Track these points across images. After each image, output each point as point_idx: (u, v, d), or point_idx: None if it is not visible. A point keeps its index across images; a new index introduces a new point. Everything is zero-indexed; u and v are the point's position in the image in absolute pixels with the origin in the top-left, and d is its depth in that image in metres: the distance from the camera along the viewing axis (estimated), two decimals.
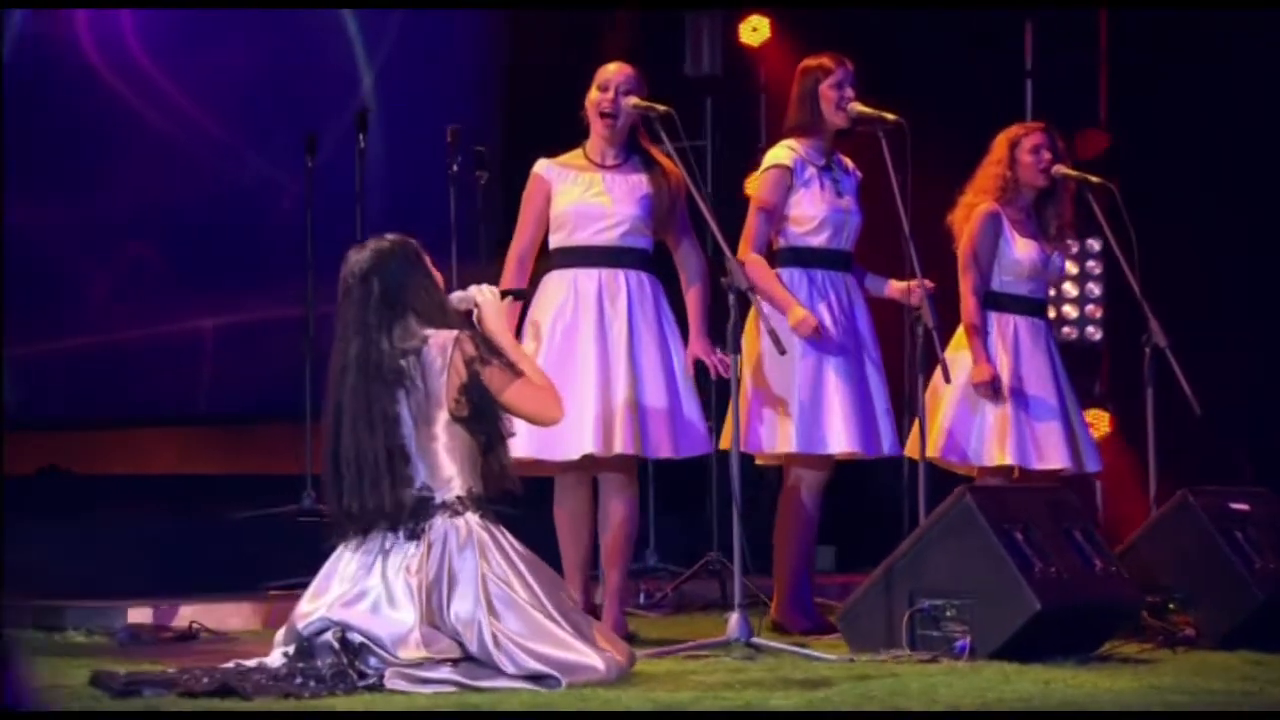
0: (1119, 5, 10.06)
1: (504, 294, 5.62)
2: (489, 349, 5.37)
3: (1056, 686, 5.34)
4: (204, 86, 9.63)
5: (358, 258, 5.44)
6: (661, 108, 6.57)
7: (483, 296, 5.55)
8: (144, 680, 5.04)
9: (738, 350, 6.24)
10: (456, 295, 5.54)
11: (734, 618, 6.10)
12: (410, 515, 5.28)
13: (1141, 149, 9.87)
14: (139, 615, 7.03)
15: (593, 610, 6.68)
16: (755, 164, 7.21)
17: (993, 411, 7.22)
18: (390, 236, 5.50)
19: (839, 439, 6.86)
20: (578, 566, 6.66)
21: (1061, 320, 10.11)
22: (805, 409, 6.84)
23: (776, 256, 7.01)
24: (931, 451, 7.23)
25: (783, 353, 6.38)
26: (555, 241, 6.72)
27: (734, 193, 7.48)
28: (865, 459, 7.04)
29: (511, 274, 6.67)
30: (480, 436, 5.39)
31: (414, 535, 5.27)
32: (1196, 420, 7.20)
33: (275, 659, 5.23)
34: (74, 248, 9.26)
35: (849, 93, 7.02)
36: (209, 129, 9.66)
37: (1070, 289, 10.15)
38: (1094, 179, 7.48)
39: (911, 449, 7.05)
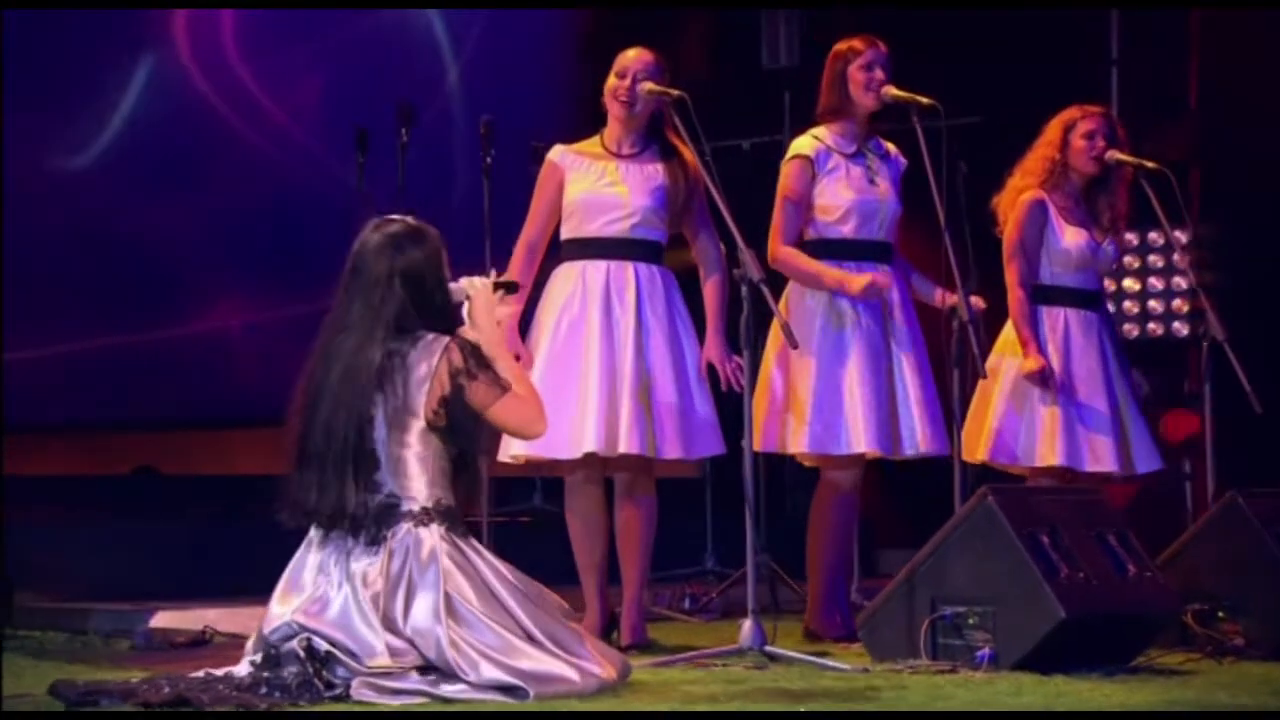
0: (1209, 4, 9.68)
1: (496, 286, 5.38)
2: (477, 361, 5.11)
3: (1068, 700, 5.03)
4: (293, 89, 9.61)
5: (379, 235, 5.17)
6: (675, 92, 6.28)
7: (474, 289, 5.30)
8: (102, 690, 4.86)
9: (750, 345, 5.95)
10: (450, 286, 5.29)
11: (746, 625, 5.84)
12: (374, 521, 5.07)
13: (1232, 138, 9.48)
14: (164, 619, 6.90)
15: (612, 617, 6.44)
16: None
17: (1042, 410, 6.88)
18: (419, 223, 5.23)
19: (857, 438, 6.51)
20: (589, 570, 6.40)
21: (1146, 315, 9.77)
22: (822, 408, 6.51)
23: (806, 249, 6.64)
24: (980, 453, 6.96)
25: (795, 347, 6.09)
26: (565, 232, 6.45)
27: None
28: (893, 459, 6.73)
29: (520, 263, 6.43)
30: (454, 449, 5.16)
31: (375, 541, 5.06)
32: (1257, 418, 6.85)
33: (243, 668, 5.06)
34: (187, 248, 9.22)
35: (879, 74, 6.71)
36: (292, 130, 9.60)
37: (1156, 283, 9.78)
38: (1150, 165, 7.09)
39: (963, 450, 6.72)
